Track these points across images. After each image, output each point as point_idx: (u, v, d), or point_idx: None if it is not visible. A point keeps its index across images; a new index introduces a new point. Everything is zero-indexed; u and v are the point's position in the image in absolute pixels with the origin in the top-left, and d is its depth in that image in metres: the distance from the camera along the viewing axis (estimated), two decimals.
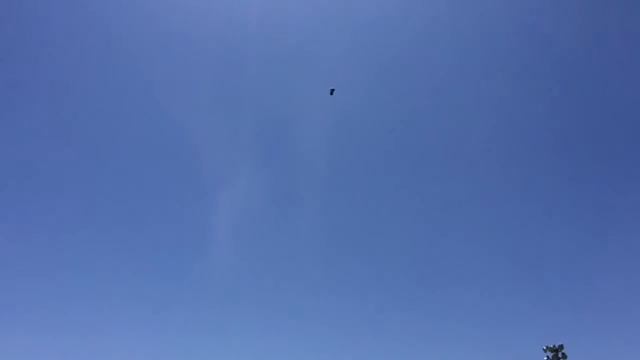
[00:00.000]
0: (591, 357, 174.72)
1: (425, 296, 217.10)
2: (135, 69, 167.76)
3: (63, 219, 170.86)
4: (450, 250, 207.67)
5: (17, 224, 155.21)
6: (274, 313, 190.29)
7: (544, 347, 59.79)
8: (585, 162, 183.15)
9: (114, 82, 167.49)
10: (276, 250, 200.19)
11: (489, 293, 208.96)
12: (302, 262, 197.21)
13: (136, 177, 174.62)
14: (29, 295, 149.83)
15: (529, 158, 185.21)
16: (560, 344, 59.03)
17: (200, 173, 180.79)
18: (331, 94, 77.56)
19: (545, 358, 59.31)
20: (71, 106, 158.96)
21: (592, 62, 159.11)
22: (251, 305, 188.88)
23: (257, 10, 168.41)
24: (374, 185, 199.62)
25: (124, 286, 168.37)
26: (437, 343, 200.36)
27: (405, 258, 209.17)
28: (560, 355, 58.27)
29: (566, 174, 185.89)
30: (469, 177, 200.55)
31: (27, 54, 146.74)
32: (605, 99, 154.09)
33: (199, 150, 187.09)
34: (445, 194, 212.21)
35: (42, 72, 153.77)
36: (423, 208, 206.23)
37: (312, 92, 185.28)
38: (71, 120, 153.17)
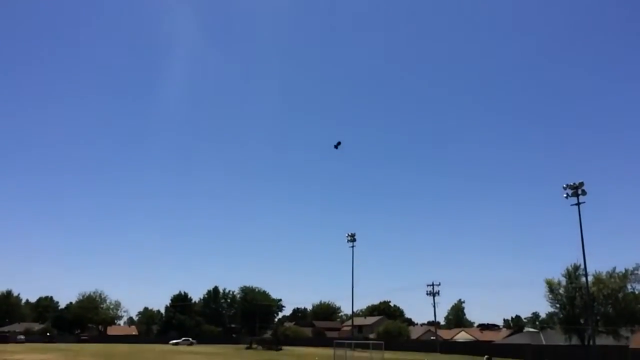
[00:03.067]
0: (611, 193, 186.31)
1: (431, 152, 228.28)
2: None
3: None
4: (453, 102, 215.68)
5: None
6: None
7: (564, 185, 60.54)
8: None
9: None
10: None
11: (501, 142, 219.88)
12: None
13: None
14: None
15: None
16: (580, 181, 59.95)
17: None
18: (336, 147, 74.35)
19: (565, 195, 60.23)
20: None
21: None
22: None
23: None
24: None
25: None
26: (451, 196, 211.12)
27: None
28: (580, 192, 59.15)
29: None
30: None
31: None
32: None
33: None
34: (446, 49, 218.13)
35: None
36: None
37: None
38: None
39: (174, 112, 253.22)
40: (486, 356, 15.39)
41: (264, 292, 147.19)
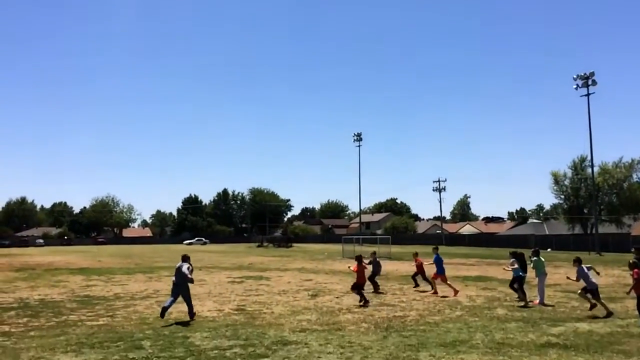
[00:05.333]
0: (620, 84, 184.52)
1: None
2: None
3: None
4: None
5: None
6: None
7: (575, 76, 60.07)
8: None
9: None
10: None
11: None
12: None
13: None
14: None
15: None
16: (591, 71, 59.33)
17: None
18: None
19: (575, 86, 59.95)
20: None
21: None
22: None
23: None
24: None
25: None
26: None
27: None
28: (590, 82, 58.73)
29: None
30: None
31: None
32: None
33: None
34: None
35: None
36: None
37: None
38: None
39: (165, 4, 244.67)
40: (533, 249, 15.56)
41: (273, 193, 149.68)
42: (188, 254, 14.84)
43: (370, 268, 19.45)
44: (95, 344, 10.73)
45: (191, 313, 13.95)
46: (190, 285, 14.11)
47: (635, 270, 12.91)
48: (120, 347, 10.42)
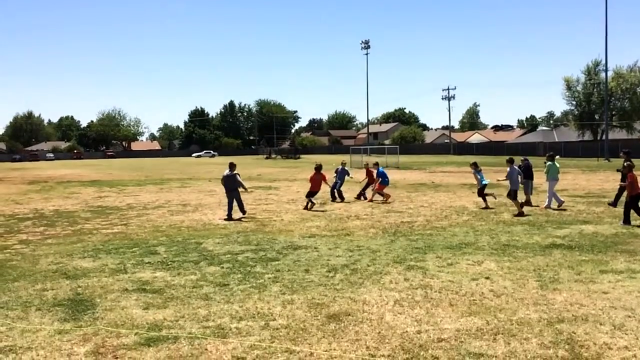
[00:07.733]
0: None
1: None
2: None
3: None
4: None
5: None
6: None
7: None
8: None
9: None
10: None
11: None
12: None
13: None
14: None
15: None
16: None
17: None
18: None
19: None
20: None
21: None
22: None
23: None
24: None
25: None
26: None
27: None
28: None
29: None
30: None
31: None
32: None
33: None
34: None
35: None
36: None
37: None
38: None
39: None
40: (549, 154, 15.59)
41: (280, 104, 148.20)
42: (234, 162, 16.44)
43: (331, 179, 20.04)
44: (111, 250, 11.07)
45: (243, 210, 15.99)
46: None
47: (630, 174, 13.29)
48: (136, 252, 10.74)
